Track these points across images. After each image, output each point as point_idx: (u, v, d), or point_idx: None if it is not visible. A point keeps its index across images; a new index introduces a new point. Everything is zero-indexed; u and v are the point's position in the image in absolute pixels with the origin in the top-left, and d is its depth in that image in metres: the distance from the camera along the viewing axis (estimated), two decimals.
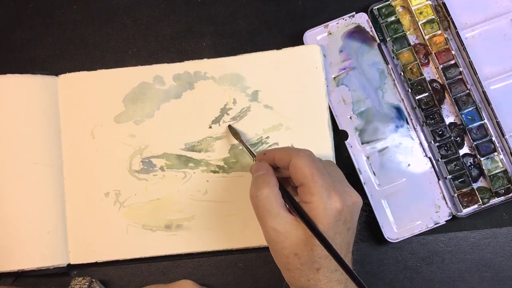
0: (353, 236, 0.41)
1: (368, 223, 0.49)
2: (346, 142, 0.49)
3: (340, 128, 0.50)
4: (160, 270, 0.50)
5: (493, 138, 0.49)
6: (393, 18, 0.50)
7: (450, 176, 0.48)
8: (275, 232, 0.38)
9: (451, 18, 0.49)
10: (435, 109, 0.49)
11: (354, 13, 0.50)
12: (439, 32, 0.50)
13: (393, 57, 0.50)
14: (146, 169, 0.49)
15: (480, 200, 0.48)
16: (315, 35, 0.51)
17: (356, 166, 0.49)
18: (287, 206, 0.39)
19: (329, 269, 0.38)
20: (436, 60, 0.50)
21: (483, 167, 0.49)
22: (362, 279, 0.35)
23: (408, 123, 0.50)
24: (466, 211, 0.48)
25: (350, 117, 0.50)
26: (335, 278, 0.39)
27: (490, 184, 0.49)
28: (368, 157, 0.49)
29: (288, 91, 0.49)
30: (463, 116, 0.49)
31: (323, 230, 0.37)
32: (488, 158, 0.49)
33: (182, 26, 0.52)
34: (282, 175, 0.42)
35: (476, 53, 0.49)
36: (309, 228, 0.37)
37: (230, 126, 0.49)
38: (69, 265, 0.49)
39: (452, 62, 0.50)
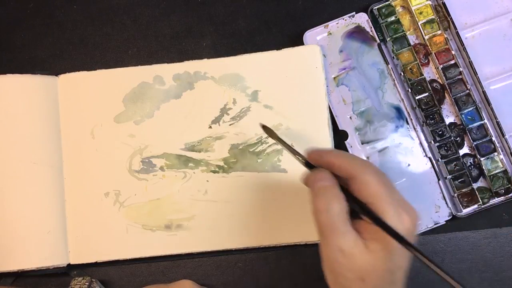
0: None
1: None
2: (346, 142, 0.49)
3: (340, 128, 0.50)
4: (160, 270, 0.50)
5: (493, 138, 0.49)
6: (393, 18, 0.50)
7: (450, 176, 0.48)
8: (341, 253, 0.35)
9: (451, 18, 0.49)
10: (435, 109, 0.49)
11: (354, 13, 0.50)
12: (439, 32, 0.50)
13: (393, 57, 0.50)
14: (146, 169, 0.49)
15: (480, 200, 0.48)
16: (315, 35, 0.51)
17: None
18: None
19: None
20: (436, 60, 0.50)
21: (483, 167, 0.49)
22: None
23: (408, 123, 0.50)
24: (466, 211, 0.48)
25: (350, 117, 0.50)
26: None
27: (490, 184, 0.49)
28: (368, 157, 0.49)
29: (288, 91, 0.49)
30: (463, 116, 0.49)
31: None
32: (488, 158, 0.49)
33: (182, 26, 0.52)
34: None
35: (476, 53, 0.49)
36: (397, 239, 0.34)
37: (264, 126, 0.45)
38: (69, 265, 0.49)
39: (452, 62, 0.50)
